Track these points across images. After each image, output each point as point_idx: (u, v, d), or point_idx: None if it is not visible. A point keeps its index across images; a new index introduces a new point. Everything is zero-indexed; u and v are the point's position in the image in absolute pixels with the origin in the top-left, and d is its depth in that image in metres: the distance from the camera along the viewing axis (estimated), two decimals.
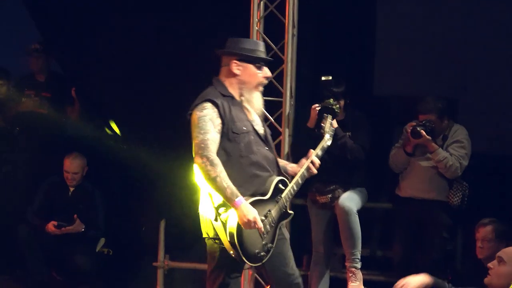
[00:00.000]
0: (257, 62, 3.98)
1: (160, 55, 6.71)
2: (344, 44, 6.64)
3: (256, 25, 5.57)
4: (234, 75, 3.97)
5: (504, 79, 7.00)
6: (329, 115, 4.57)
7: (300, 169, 4.10)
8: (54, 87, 6.70)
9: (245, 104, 4.01)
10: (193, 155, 3.83)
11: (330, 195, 5.24)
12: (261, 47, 4.07)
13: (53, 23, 7.14)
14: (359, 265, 5.16)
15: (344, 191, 5.27)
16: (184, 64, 6.52)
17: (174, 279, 6.17)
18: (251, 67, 3.97)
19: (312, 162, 4.11)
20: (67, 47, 7.12)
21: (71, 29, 7.04)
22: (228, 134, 3.87)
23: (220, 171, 3.75)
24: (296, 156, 5.36)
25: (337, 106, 5.05)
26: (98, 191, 6.28)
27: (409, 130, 5.19)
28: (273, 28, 5.66)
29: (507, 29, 6.81)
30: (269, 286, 5.45)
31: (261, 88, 4.04)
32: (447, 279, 5.61)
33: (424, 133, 5.13)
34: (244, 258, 3.82)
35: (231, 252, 3.81)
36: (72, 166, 6.17)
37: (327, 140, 4.31)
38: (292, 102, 5.60)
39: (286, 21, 5.52)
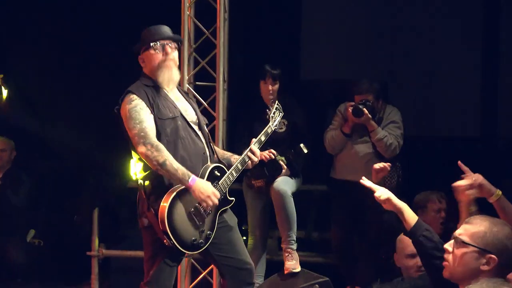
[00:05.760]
0: (150, 44, 3.94)
1: (90, 43, 6.61)
2: (270, 29, 6.68)
3: (188, 10, 5.52)
4: (145, 67, 4.00)
5: (429, 62, 7.18)
6: (277, 103, 4.51)
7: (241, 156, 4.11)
8: None
9: (168, 89, 3.99)
10: (134, 146, 3.80)
11: (265, 179, 5.25)
12: (151, 31, 4.00)
13: None
14: (295, 246, 5.19)
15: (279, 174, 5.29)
16: (114, 52, 6.43)
17: (110, 268, 6.10)
18: (147, 54, 3.97)
19: (251, 150, 4.12)
20: None
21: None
22: (155, 120, 3.86)
23: (168, 155, 3.75)
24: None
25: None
26: (26, 175, 6.18)
27: (350, 109, 5.21)
28: (205, 13, 5.62)
29: (433, 11, 6.97)
30: (205, 272, 5.49)
31: (168, 65, 3.96)
32: (381, 258, 5.75)
33: (366, 111, 5.17)
34: (178, 246, 3.79)
35: (165, 241, 3.78)
36: None
37: (271, 126, 4.32)
38: (225, 87, 5.58)
39: (218, 5, 5.48)
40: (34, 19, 6.61)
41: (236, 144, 5.30)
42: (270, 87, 5.31)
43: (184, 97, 4.10)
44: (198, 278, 5.52)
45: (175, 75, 4.01)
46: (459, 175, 3.47)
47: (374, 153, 5.32)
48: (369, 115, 5.19)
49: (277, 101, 4.53)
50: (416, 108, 7.02)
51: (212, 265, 5.23)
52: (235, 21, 5.81)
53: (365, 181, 3.39)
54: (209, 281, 5.46)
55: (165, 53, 3.96)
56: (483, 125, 7.41)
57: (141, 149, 3.76)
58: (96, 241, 6.03)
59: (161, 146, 3.76)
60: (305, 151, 4.84)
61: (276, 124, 4.39)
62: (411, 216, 3.21)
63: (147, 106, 3.83)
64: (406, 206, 3.23)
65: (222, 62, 5.50)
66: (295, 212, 5.21)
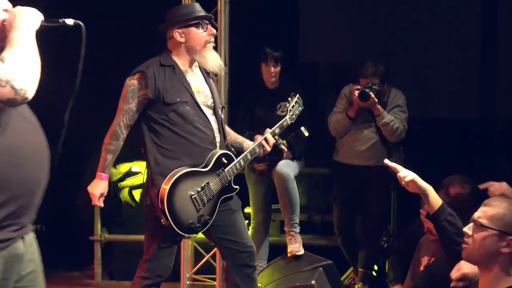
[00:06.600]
0: (197, 22, 3.93)
1: (93, 26, 6.55)
2: (269, 12, 6.65)
3: None
4: (180, 44, 3.95)
5: (428, 44, 7.17)
6: (297, 96, 4.43)
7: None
8: None
9: (195, 72, 4.00)
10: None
11: (267, 162, 5.25)
12: (197, 7, 4.02)
13: None
14: (298, 229, 5.20)
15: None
16: (114, 36, 6.40)
17: (112, 253, 6.10)
18: (193, 30, 3.94)
19: (266, 140, 4.12)
20: None
21: None
22: (160, 103, 3.86)
23: (110, 143, 3.90)
24: None
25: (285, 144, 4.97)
26: None
27: (356, 93, 5.13)
28: None
29: None
30: (209, 256, 5.51)
31: (210, 46, 3.99)
32: (383, 240, 5.78)
33: (373, 95, 5.10)
34: (175, 227, 3.79)
35: (162, 220, 3.80)
36: None
37: (288, 119, 4.29)
38: (226, 70, 5.56)
39: None
40: None
41: (237, 128, 5.29)
42: (272, 69, 5.31)
43: (204, 77, 4.07)
44: (201, 262, 5.54)
45: (217, 58, 4.03)
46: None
47: (378, 137, 5.28)
48: (376, 99, 5.13)
49: (298, 95, 4.43)
50: (413, 91, 7.02)
51: (215, 249, 5.26)
52: (235, 4, 5.78)
53: (388, 162, 3.30)
54: (213, 264, 5.47)
55: (210, 34, 3.97)
56: (482, 107, 7.42)
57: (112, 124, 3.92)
58: (98, 226, 6.02)
59: (115, 132, 3.87)
60: (306, 134, 4.83)
61: (294, 118, 4.33)
62: (435, 199, 3.09)
63: (142, 88, 3.83)
64: (431, 189, 3.10)
65: (224, 45, 5.48)
66: (298, 195, 5.22)
